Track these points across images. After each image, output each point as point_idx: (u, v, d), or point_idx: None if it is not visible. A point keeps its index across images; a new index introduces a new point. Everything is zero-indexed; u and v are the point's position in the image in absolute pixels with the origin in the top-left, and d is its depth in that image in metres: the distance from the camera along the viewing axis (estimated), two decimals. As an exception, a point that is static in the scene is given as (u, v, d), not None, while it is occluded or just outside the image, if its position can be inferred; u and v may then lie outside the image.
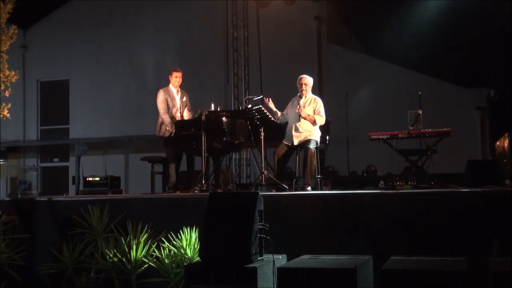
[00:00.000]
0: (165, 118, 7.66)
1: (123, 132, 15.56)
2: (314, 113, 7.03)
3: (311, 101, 7.13)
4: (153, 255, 5.57)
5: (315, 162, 6.92)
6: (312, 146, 6.91)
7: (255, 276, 4.10)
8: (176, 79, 7.97)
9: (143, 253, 5.59)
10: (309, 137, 6.97)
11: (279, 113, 7.24)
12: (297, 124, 7.03)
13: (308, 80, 7.20)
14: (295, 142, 7.02)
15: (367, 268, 4.41)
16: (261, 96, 7.52)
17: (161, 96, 7.80)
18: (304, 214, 5.48)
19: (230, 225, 4.39)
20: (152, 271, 5.58)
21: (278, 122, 7.27)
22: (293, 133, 7.03)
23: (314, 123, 7.01)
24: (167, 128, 7.59)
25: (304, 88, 7.15)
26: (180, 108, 7.85)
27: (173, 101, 7.82)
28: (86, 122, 16.19)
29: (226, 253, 4.31)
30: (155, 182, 8.07)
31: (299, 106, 7.03)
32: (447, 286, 3.73)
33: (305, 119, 6.99)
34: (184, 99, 7.98)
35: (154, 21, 15.62)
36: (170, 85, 7.98)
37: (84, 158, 14.86)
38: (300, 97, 7.19)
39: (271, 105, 7.23)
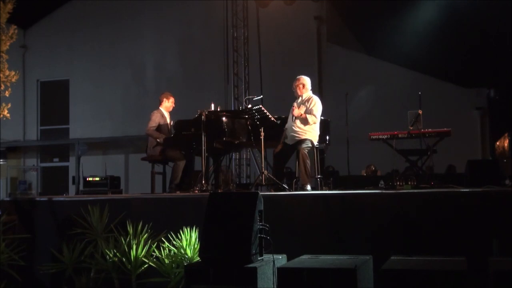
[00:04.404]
0: (153, 133, 7.77)
1: (123, 132, 15.57)
2: (306, 112, 7.01)
3: (306, 100, 7.13)
4: (153, 255, 5.56)
5: (309, 162, 6.90)
6: (304, 146, 6.90)
7: (255, 276, 4.10)
8: (172, 104, 8.10)
9: (143, 253, 5.59)
10: (303, 137, 6.97)
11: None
12: (292, 124, 7.05)
13: (302, 81, 7.21)
14: (290, 142, 7.04)
15: (367, 268, 4.41)
16: (261, 96, 7.53)
17: (156, 118, 7.89)
18: (304, 214, 5.47)
19: (230, 225, 4.39)
20: (152, 271, 5.57)
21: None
22: (290, 132, 7.07)
23: (306, 122, 7.00)
24: (158, 139, 7.69)
25: (299, 88, 7.16)
26: (171, 130, 7.96)
27: (165, 125, 7.94)
28: (86, 122, 16.20)
29: (226, 253, 4.31)
30: (155, 182, 8.07)
31: (293, 106, 7.04)
32: (447, 286, 3.73)
33: (297, 117, 7.00)
34: (169, 121, 8.08)
35: (154, 21, 15.64)
36: (163, 109, 8.03)
37: (84, 158, 14.89)
38: (298, 97, 7.21)
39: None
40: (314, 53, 14.39)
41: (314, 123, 7.02)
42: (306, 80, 7.24)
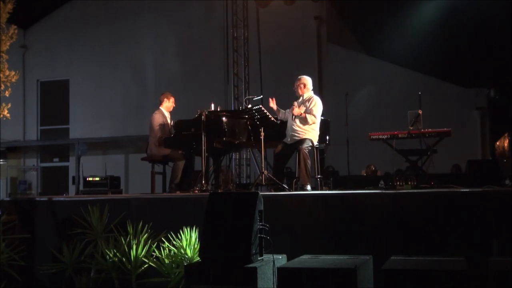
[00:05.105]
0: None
1: (123, 132, 15.57)
2: (306, 112, 7.02)
3: (307, 100, 7.13)
4: (153, 255, 5.56)
5: (309, 162, 6.90)
6: (305, 146, 6.91)
7: (255, 276, 4.10)
8: (173, 104, 8.12)
9: (143, 253, 5.59)
10: (303, 137, 6.97)
11: (280, 112, 7.32)
12: (292, 123, 7.06)
13: (303, 81, 7.21)
14: (290, 141, 7.05)
15: (367, 268, 4.41)
16: (261, 96, 7.54)
17: (159, 118, 7.91)
18: (304, 214, 5.47)
19: (230, 225, 4.39)
20: (152, 271, 5.57)
21: (279, 119, 7.30)
22: (289, 132, 7.08)
23: (305, 121, 7.00)
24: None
25: (300, 88, 7.18)
26: (171, 130, 7.97)
27: (166, 125, 7.96)
28: (86, 122, 16.20)
29: (226, 253, 4.30)
30: (155, 182, 8.07)
31: (294, 105, 7.05)
32: (447, 286, 3.73)
33: (297, 117, 7.01)
34: (170, 121, 8.08)
35: (154, 21, 15.64)
36: (163, 109, 8.05)
37: (84, 158, 14.88)
38: (299, 97, 7.22)
39: (273, 105, 7.26)
40: (314, 53, 14.38)
41: (314, 123, 7.02)
42: (307, 80, 7.24)
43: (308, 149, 6.95)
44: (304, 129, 7.01)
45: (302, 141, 6.95)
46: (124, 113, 15.75)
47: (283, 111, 7.39)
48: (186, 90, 14.17)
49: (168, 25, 15.52)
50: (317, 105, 7.05)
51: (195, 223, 5.35)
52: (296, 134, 7.02)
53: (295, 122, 7.03)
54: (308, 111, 7.00)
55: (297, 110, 6.97)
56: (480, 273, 4.30)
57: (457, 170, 10.61)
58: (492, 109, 13.10)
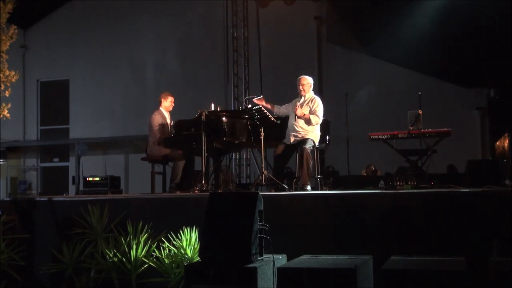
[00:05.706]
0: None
1: (123, 132, 15.57)
2: (310, 113, 7.04)
3: (309, 100, 7.15)
4: (153, 255, 5.56)
5: (311, 162, 6.92)
6: (308, 146, 6.92)
7: (255, 276, 4.10)
8: (171, 103, 8.08)
9: (143, 253, 5.59)
10: (306, 137, 6.99)
11: (275, 107, 7.34)
12: (294, 123, 7.06)
13: (305, 80, 7.22)
14: (291, 141, 7.05)
15: (367, 268, 4.41)
16: (261, 96, 7.53)
17: (158, 119, 7.88)
18: (304, 214, 5.48)
19: (230, 225, 4.39)
20: (152, 271, 5.58)
21: (274, 114, 7.30)
22: (291, 132, 7.07)
23: (309, 122, 7.01)
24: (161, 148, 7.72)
25: (302, 88, 7.18)
26: (171, 130, 7.95)
27: (166, 125, 7.94)
28: (86, 122, 16.19)
29: (226, 253, 4.31)
30: (155, 182, 8.07)
31: (296, 105, 7.06)
32: (447, 286, 3.73)
33: (300, 118, 7.01)
34: (170, 121, 8.05)
35: (154, 21, 15.63)
36: (163, 109, 8.03)
37: (84, 158, 14.87)
38: (300, 97, 7.22)
39: (262, 102, 7.27)
40: (314, 53, 14.37)
41: (317, 123, 7.06)
42: (309, 80, 7.28)
43: (310, 149, 6.96)
44: (307, 129, 7.03)
45: (305, 141, 6.96)
46: (124, 113, 15.74)
47: (278, 106, 7.42)
48: (186, 90, 14.18)
49: (168, 25, 15.52)
50: (320, 106, 7.10)
51: (195, 223, 5.35)
52: (299, 134, 7.02)
53: (298, 123, 7.03)
54: (312, 112, 7.02)
55: (300, 111, 6.98)
56: (480, 273, 4.30)
57: (452, 170, 10.61)
58: (492, 109, 13.08)
